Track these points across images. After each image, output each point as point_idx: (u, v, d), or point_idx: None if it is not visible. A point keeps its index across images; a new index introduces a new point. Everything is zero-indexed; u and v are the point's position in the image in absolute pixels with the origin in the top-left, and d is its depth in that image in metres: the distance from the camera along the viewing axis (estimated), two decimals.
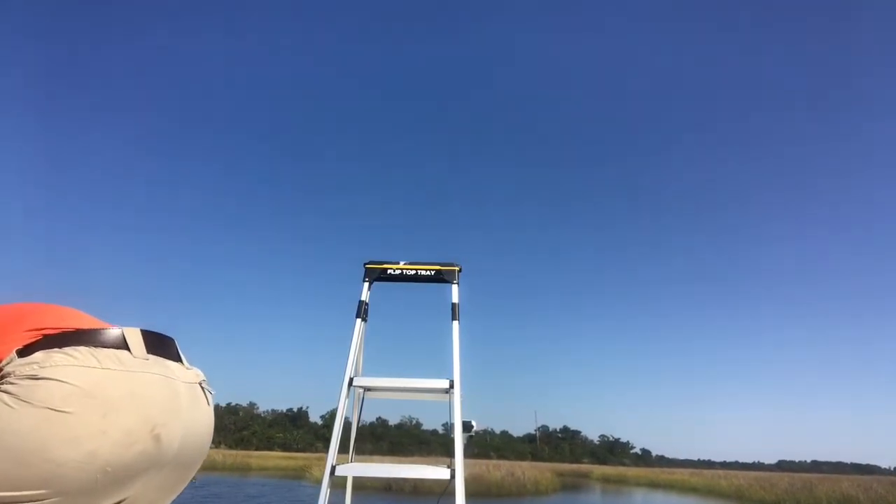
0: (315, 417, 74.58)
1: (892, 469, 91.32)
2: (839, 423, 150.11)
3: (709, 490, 25.13)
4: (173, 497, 1.03)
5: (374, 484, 15.76)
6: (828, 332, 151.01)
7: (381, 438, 68.25)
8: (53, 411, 0.77)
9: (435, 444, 65.66)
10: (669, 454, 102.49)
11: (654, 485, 32.00)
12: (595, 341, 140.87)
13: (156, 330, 0.99)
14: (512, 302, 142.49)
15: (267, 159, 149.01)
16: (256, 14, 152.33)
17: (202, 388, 1.05)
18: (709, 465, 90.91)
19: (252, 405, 74.13)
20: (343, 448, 1.97)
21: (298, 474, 24.55)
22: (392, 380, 1.97)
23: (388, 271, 2.19)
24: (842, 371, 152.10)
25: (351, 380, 1.91)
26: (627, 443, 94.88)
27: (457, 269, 2.19)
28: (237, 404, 71.77)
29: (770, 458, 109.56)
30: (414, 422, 79.27)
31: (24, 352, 0.82)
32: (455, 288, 2.15)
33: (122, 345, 0.90)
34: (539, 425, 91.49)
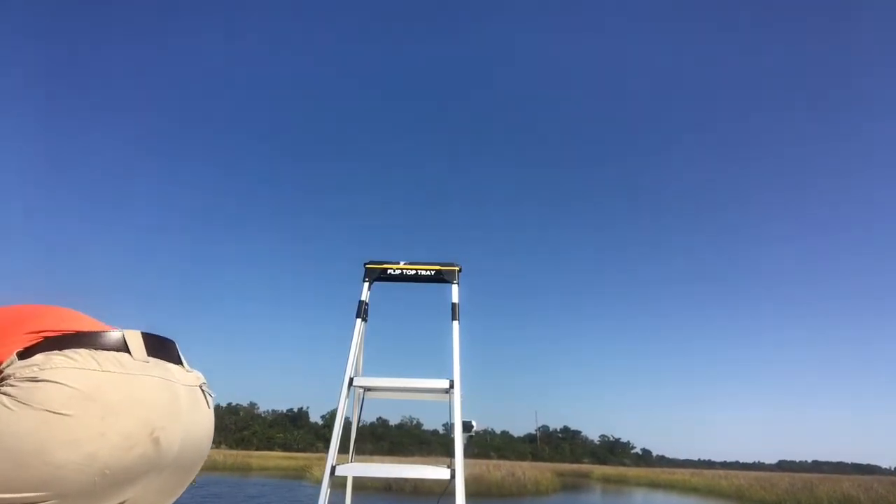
0: (315, 417, 74.69)
1: (892, 469, 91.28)
2: (839, 424, 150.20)
3: (709, 490, 25.11)
4: (173, 500, 1.03)
5: (375, 484, 15.76)
6: (828, 332, 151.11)
7: (381, 438, 68.24)
8: (53, 414, 0.77)
9: (435, 444, 65.65)
10: (670, 454, 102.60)
11: (654, 485, 31.98)
12: (595, 341, 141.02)
13: (156, 330, 0.99)
14: (512, 302, 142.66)
15: (267, 159, 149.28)
16: (256, 14, 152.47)
17: (202, 390, 1.05)
18: (709, 465, 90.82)
19: (252, 405, 74.21)
20: (343, 448, 1.97)
21: (299, 474, 24.55)
22: (392, 380, 1.97)
23: (388, 271, 2.19)
24: (842, 371, 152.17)
25: (351, 380, 1.91)
26: (628, 443, 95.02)
27: (457, 269, 2.19)
28: (238, 404, 71.86)
29: (770, 459, 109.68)
30: (414, 422, 79.36)
31: (25, 354, 0.82)
32: (455, 288, 2.15)
33: (123, 347, 0.90)
34: (539, 425, 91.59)
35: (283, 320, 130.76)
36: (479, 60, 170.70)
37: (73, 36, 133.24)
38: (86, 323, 0.96)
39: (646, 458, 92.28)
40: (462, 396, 1.89)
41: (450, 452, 1.75)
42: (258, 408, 74.69)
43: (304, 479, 21.29)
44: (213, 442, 1.11)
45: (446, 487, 1.70)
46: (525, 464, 32.98)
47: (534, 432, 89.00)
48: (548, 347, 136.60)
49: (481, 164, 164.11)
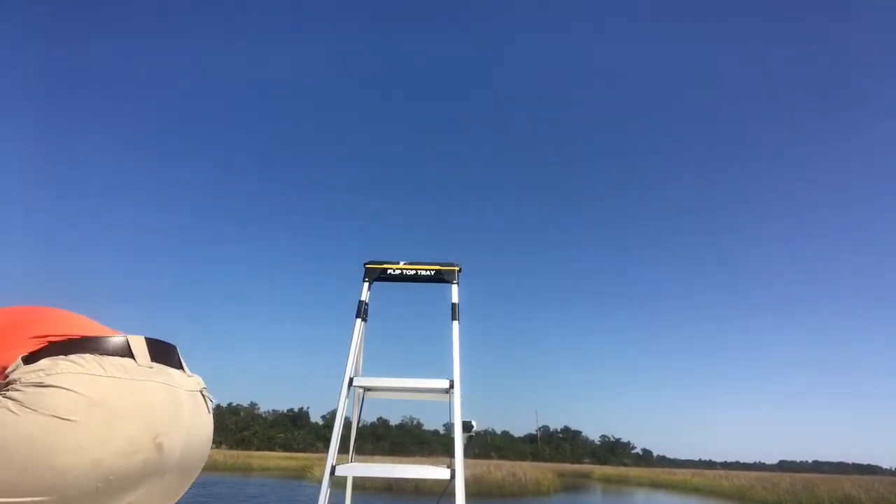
0: (316, 417, 74.72)
1: (893, 469, 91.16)
2: (840, 424, 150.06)
3: (710, 490, 25.08)
4: (174, 502, 1.04)
5: (375, 484, 15.75)
6: (828, 332, 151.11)
7: (382, 438, 68.24)
8: (59, 419, 0.77)
9: (436, 445, 65.61)
10: (670, 454, 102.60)
11: (655, 485, 31.94)
12: (595, 341, 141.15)
13: (157, 331, 1.00)
14: (512, 302, 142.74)
15: (267, 159, 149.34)
16: (256, 14, 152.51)
17: (203, 395, 1.06)
18: (710, 465, 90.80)
19: (253, 405, 74.25)
20: (344, 448, 1.97)
21: (299, 474, 24.57)
22: (392, 380, 1.97)
23: (388, 271, 2.19)
24: (842, 371, 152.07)
25: (351, 380, 1.91)
26: (628, 443, 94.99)
27: (457, 269, 2.19)
28: (238, 405, 71.92)
29: (771, 459, 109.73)
30: (415, 422, 79.37)
31: (30, 359, 0.82)
32: (455, 288, 2.15)
33: (127, 353, 0.91)
34: (540, 425, 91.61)
35: (283, 320, 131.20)
36: (479, 60, 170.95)
37: (73, 36, 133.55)
38: (88, 327, 0.97)
39: (646, 459, 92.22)
40: (462, 396, 1.88)
41: (450, 452, 1.75)
42: (259, 408, 74.84)
43: (304, 480, 21.29)
44: (214, 442, 1.13)
45: (446, 487, 1.70)
46: (526, 464, 32.95)
47: (534, 432, 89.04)
48: (548, 347, 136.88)
49: (481, 164, 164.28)
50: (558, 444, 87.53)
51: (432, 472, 1.71)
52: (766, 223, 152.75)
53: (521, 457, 67.30)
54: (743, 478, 26.53)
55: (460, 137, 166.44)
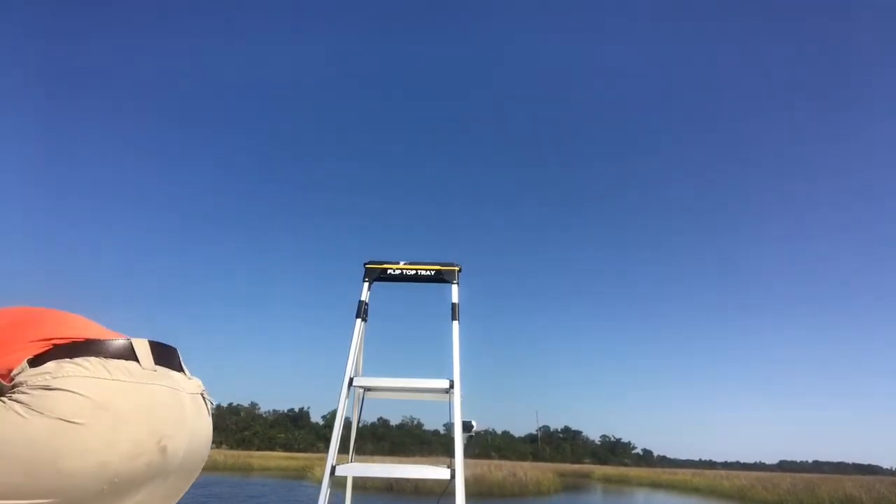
0: (316, 417, 74.71)
1: (893, 469, 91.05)
2: (840, 424, 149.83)
3: (711, 490, 25.07)
4: (175, 503, 1.05)
5: (375, 484, 15.75)
6: (828, 332, 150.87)
7: (382, 438, 68.23)
8: (65, 422, 0.77)
9: (436, 444, 65.59)
10: (671, 454, 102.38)
11: (656, 485, 31.93)
12: (595, 341, 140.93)
13: (156, 331, 1.01)
14: (512, 302, 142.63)
15: (267, 159, 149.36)
16: (256, 14, 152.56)
17: (203, 398, 1.08)
18: (710, 465, 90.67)
19: (253, 405, 74.25)
20: (344, 448, 1.97)
21: (300, 474, 24.56)
22: (392, 380, 1.97)
23: (388, 271, 2.19)
24: (842, 371, 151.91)
25: (351, 380, 1.91)
26: (629, 443, 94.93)
27: (457, 269, 2.19)
28: (239, 405, 71.91)
29: (771, 459, 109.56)
30: (415, 422, 79.35)
31: (35, 361, 0.82)
32: (455, 288, 2.15)
33: (131, 356, 0.92)
34: (540, 425, 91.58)
35: (283, 320, 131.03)
36: (479, 60, 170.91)
37: (73, 36, 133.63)
38: (88, 328, 0.97)
39: (647, 459, 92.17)
40: (462, 396, 1.89)
41: (450, 452, 1.75)
42: (259, 408, 74.83)
43: (305, 480, 21.28)
44: (214, 442, 1.15)
45: (446, 487, 1.70)
46: (526, 464, 32.94)
47: (535, 432, 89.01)
48: (548, 347, 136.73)
49: (481, 164, 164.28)
50: (559, 444, 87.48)
51: (432, 472, 1.71)
52: (766, 223, 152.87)
53: (522, 457, 67.26)
54: (743, 478, 26.51)
55: (460, 137, 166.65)
